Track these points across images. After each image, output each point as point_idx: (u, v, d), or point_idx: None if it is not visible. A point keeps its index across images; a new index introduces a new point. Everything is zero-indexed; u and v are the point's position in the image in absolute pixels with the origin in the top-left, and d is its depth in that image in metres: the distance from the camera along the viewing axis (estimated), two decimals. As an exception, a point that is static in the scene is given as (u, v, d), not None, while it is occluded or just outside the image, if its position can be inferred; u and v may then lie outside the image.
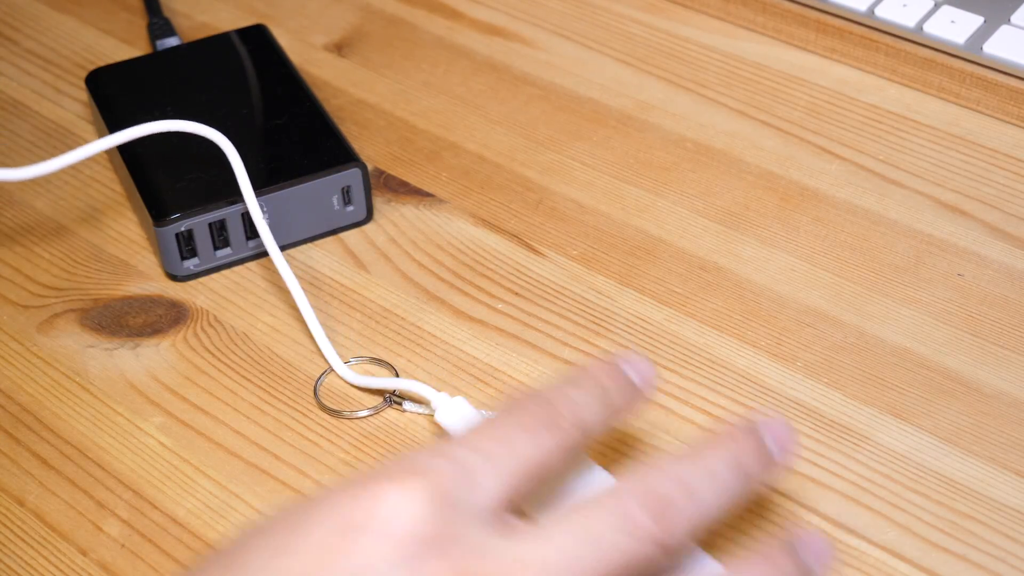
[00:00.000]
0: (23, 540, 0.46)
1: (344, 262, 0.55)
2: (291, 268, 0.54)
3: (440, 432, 0.48)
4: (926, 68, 0.60)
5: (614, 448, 0.47)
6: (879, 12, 0.61)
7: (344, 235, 0.56)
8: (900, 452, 0.46)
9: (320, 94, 0.62)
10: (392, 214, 0.57)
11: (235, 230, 0.54)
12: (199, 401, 0.49)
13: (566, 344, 0.51)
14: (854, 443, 0.47)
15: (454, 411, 0.46)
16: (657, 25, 0.66)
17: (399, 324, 0.52)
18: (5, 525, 0.46)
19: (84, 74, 0.62)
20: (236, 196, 0.53)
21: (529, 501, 0.40)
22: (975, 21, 0.60)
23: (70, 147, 0.61)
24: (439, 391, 0.47)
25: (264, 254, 0.55)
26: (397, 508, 0.33)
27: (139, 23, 0.67)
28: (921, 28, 0.60)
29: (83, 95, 0.63)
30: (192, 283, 0.54)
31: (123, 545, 0.45)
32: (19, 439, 0.49)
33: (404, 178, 0.58)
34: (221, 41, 0.62)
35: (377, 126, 0.61)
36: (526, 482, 0.36)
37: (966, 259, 0.53)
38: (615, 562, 0.34)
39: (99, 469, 0.47)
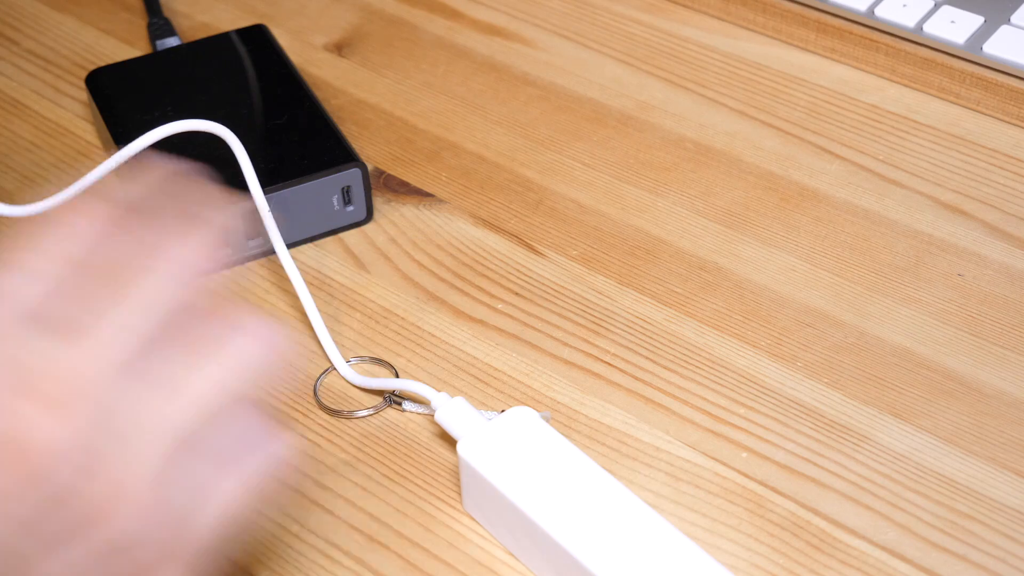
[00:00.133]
0: (23, 540, 0.45)
1: (344, 262, 0.55)
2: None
3: (440, 432, 0.48)
4: (926, 68, 0.60)
5: (613, 448, 0.47)
6: (879, 12, 0.61)
7: (344, 235, 0.56)
8: (900, 452, 0.46)
9: (320, 94, 0.62)
10: (392, 214, 0.57)
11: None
12: (199, 401, 0.49)
13: (566, 344, 0.51)
14: (854, 443, 0.47)
15: (454, 411, 0.46)
16: (657, 25, 0.66)
17: (399, 324, 0.52)
18: (5, 525, 0.46)
19: (84, 74, 0.62)
20: (236, 196, 0.53)
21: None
22: (975, 21, 0.60)
23: (70, 147, 0.61)
24: (439, 391, 0.47)
25: (265, 253, 0.55)
26: None
27: (139, 23, 0.67)
28: (921, 28, 0.60)
29: (83, 95, 0.63)
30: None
31: (123, 545, 0.45)
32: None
33: (404, 178, 0.58)
34: (221, 41, 0.62)
35: (377, 126, 0.61)
36: None
37: (966, 259, 0.53)
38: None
39: (99, 469, 0.47)
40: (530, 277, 0.53)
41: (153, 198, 0.37)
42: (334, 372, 0.50)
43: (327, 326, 0.51)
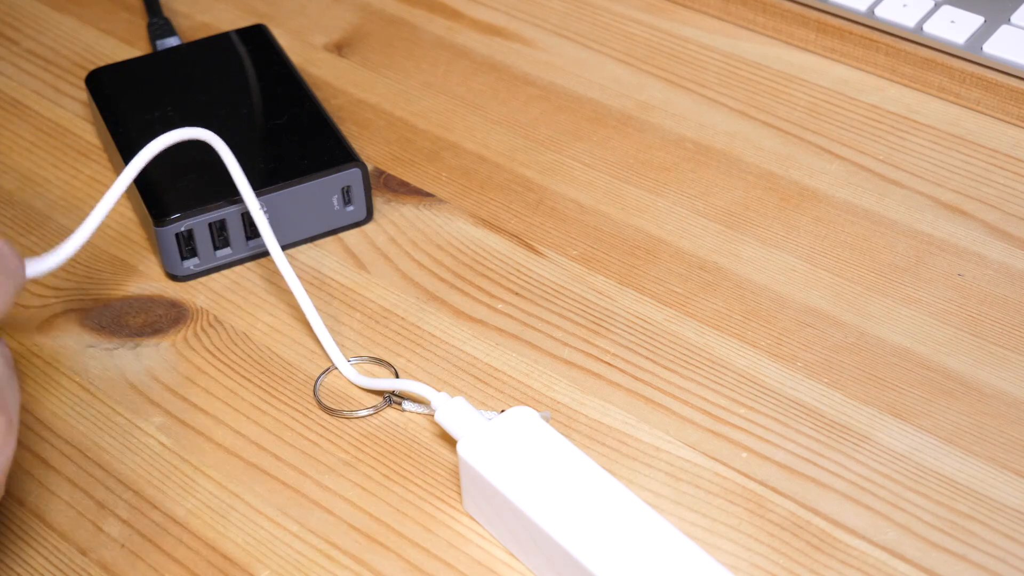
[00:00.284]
0: (23, 540, 0.46)
1: (344, 262, 0.55)
2: (293, 267, 0.54)
3: (440, 432, 0.48)
4: (926, 68, 0.60)
5: (613, 448, 0.47)
6: (879, 12, 0.61)
7: (344, 235, 0.56)
8: (900, 452, 0.46)
9: (320, 94, 0.62)
10: (392, 214, 0.57)
11: (235, 230, 0.54)
12: (199, 401, 0.49)
13: (566, 344, 0.51)
14: (854, 443, 0.47)
15: (454, 411, 0.46)
16: (657, 25, 0.66)
17: (399, 324, 0.52)
18: (5, 525, 0.46)
19: (84, 74, 0.62)
20: (236, 196, 0.53)
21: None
22: (975, 21, 0.60)
23: (70, 147, 0.61)
24: (439, 391, 0.47)
25: (264, 254, 0.55)
26: None
27: (139, 23, 0.67)
28: (921, 28, 0.60)
29: (83, 95, 0.63)
30: (192, 283, 0.54)
31: (123, 545, 0.45)
32: (19, 439, 0.48)
33: (404, 178, 0.58)
34: (221, 41, 0.62)
35: (377, 126, 0.61)
36: None
37: (966, 259, 0.53)
38: None
39: (99, 469, 0.47)
40: (530, 277, 0.53)
41: None
42: (334, 372, 0.50)
43: (326, 326, 0.51)
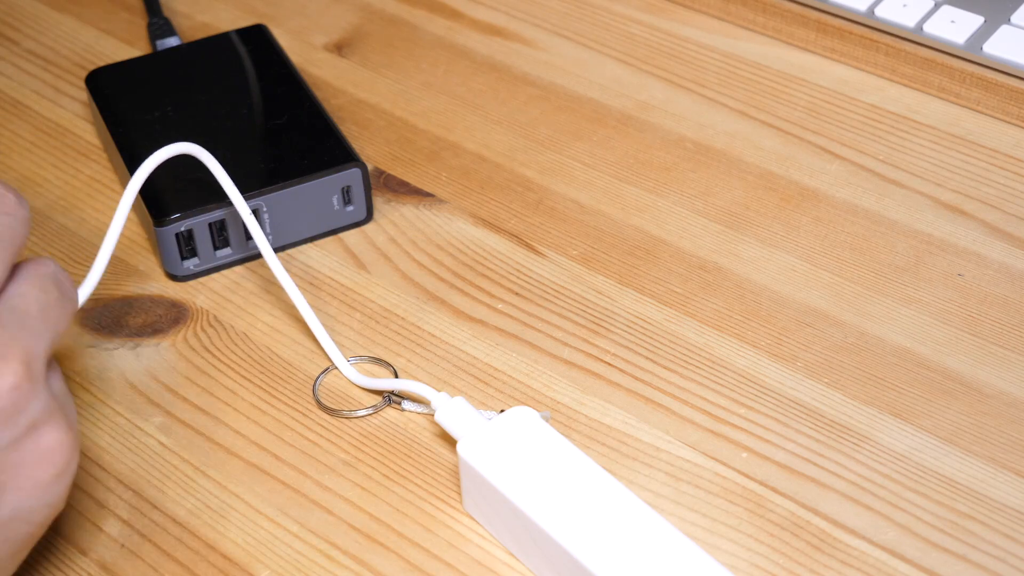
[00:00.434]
0: (23, 540, 0.46)
1: (344, 262, 0.55)
2: (289, 268, 0.54)
3: (440, 432, 0.48)
4: (926, 68, 0.60)
5: (613, 448, 0.47)
6: (879, 12, 0.61)
7: (344, 235, 0.56)
8: (900, 452, 0.46)
9: (320, 94, 0.62)
10: (392, 214, 0.57)
11: (235, 230, 0.54)
12: (199, 401, 0.49)
13: (566, 344, 0.51)
14: (854, 443, 0.47)
15: (454, 411, 0.46)
16: (657, 25, 0.66)
17: (399, 324, 0.52)
18: (5, 525, 0.46)
19: (84, 74, 0.62)
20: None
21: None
22: (975, 21, 0.60)
23: (70, 147, 0.61)
24: (439, 391, 0.47)
25: (264, 254, 0.55)
26: None
27: (139, 23, 0.67)
28: (921, 28, 0.60)
29: (83, 95, 0.63)
30: (192, 283, 0.54)
31: (123, 545, 0.45)
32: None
33: (404, 178, 0.58)
34: (221, 41, 0.62)
35: (377, 126, 0.61)
36: None
37: (966, 259, 0.53)
38: None
39: (99, 469, 0.47)
40: (530, 277, 0.53)
41: None
42: (333, 372, 0.50)
43: (324, 325, 0.51)
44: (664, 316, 0.51)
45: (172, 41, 0.64)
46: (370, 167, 0.59)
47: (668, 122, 0.60)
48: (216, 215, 0.53)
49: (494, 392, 0.49)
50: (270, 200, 0.54)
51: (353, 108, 0.62)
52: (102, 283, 0.54)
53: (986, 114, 0.59)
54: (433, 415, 0.47)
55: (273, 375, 0.50)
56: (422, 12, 0.67)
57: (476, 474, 0.43)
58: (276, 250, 0.55)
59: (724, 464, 0.46)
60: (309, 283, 0.54)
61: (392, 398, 0.49)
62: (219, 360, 0.51)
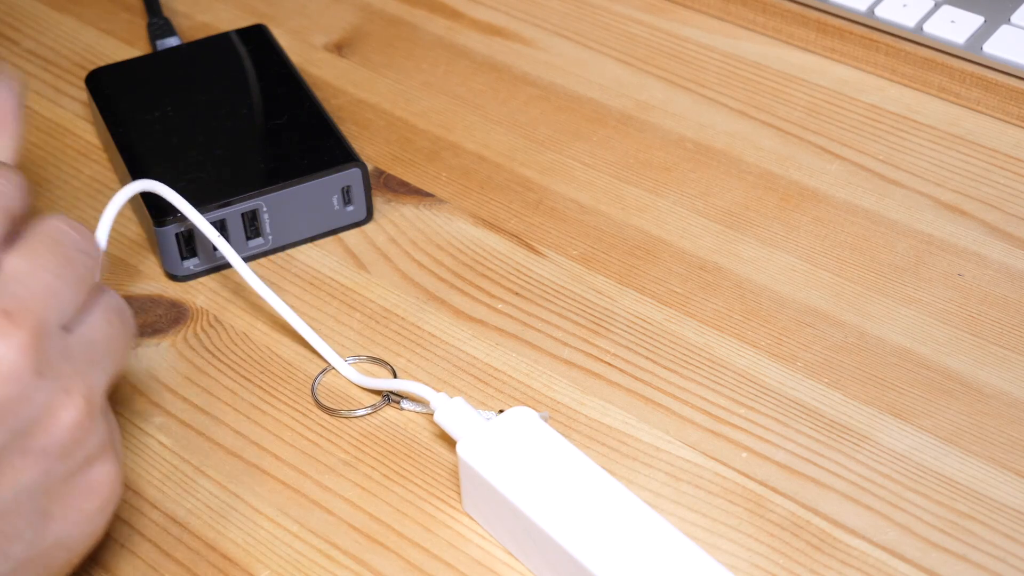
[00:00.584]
0: (23, 540, 0.45)
1: (344, 262, 0.55)
2: (289, 268, 0.54)
3: (440, 432, 0.48)
4: (926, 68, 0.60)
5: (613, 448, 0.47)
6: (879, 12, 0.61)
7: (344, 235, 0.56)
8: (900, 452, 0.46)
9: (320, 94, 0.62)
10: (392, 214, 0.57)
11: (235, 230, 0.54)
12: (199, 401, 0.49)
13: (566, 344, 0.51)
14: (854, 443, 0.47)
15: (453, 412, 0.46)
16: (657, 25, 0.66)
17: (399, 324, 0.52)
18: (5, 525, 0.46)
19: (84, 74, 0.62)
20: (236, 196, 0.53)
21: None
22: (975, 21, 0.60)
23: (70, 147, 0.61)
24: (439, 391, 0.47)
25: (264, 254, 0.55)
26: None
27: (139, 23, 0.67)
28: (921, 28, 0.60)
29: (83, 95, 0.63)
30: (192, 283, 0.54)
31: (123, 545, 0.45)
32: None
33: (404, 178, 0.58)
34: (221, 41, 0.62)
35: (377, 126, 0.61)
36: None
37: (966, 259, 0.53)
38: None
39: (99, 469, 0.47)
40: (530, 277, 0.53)
41: None
42: (334, 373, 0.50)
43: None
44: (664, 316, 0.51)
45: (172, 41, 0.64)
46: (370, 167, 0.59)
47: (668, 122, 0.60)
48: (216, 215, 0.53)
49: (494, 392, 0.49)
50: (270, 200, 0.54)
51: (353, 108, 0.62)
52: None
53: (986, 114, 0.59)
54: (432, 414, 0.47)
55: (273, 375, 0.50)
56: (422, 12, 0.67)
57: (476, 474, 0.43)
58: (276, 250, 0.55)
59: (724, 464, 0.46)
60: (309, 283, 0.54)
61: (391, 397, 0.49)
62: (219, 360, 0.51)
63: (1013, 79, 0.58)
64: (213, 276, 0.54)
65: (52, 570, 0.39)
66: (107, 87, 0.60)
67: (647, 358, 0.50)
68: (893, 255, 0.53)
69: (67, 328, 0.39)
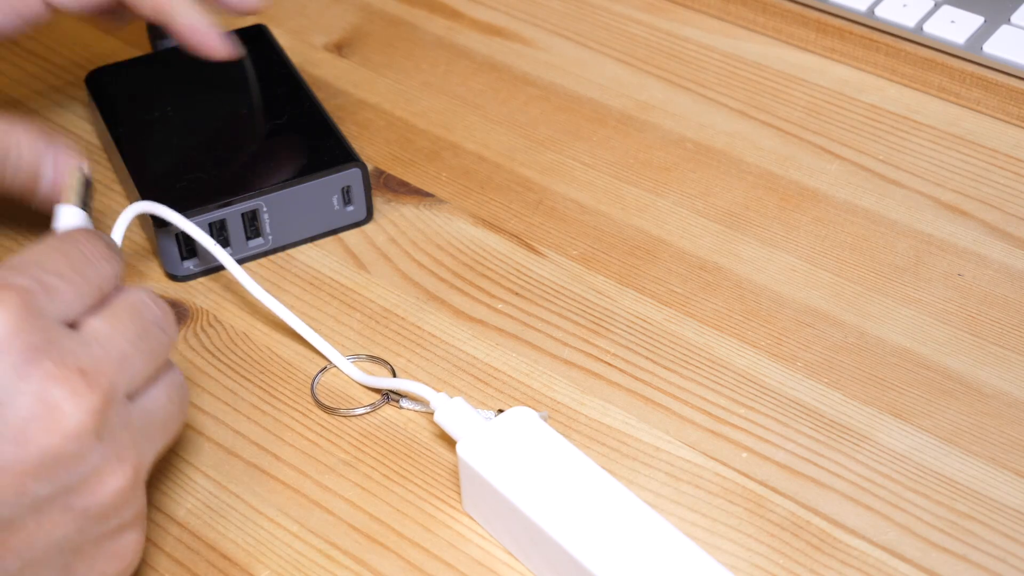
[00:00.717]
0: (23, 540, 0.45)
1: (344, 262, 0.55)
2: (289, 268, 0.54)
3: (440, 432, 0.48)
4: (926, 68, 0.60)
5: (613, 448, 0.47)
6: (879, 12, 0.61)
7: (344, 235, 0.56)
8: (900, 452, 0.46)
9: (320, 94, 0.62)
10: (392, 214, 0.57)
11: (235, 230, 0.54)
12: (199, 401, 0.49)
13: (566, 344, 0.51)
14: (854, 443, 0.47)
15: (453, 412, 0.46)
16: (657, 25, 0.66)
17: (399, 324, 0.52)
18: (5, 525, 0.46)
19: (84, 74, 0.62)
20: (236, 196, 0.53)
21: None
22: (975, 21, 0.60)
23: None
24: (439, 391, 0.47)
25: (265, 253, 0.55)
26: None
27: (139, 23, 0.67)
28: (921, 28, 0.60)
29: (83, 95, 0.63)
30: (192, 283, 0.54)
31: (123, 545, 0.45)
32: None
33: (404, 178, 0.58)
34: (221, 41, 0.62)
35: (377, 126, 0.61)
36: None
37: (966, 259, 0.53)
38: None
39: (99, 469, 0.47)
40: (530, 277, 0.53)
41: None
42: (334, 373, 0.50)
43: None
44: (664, 316, 0.51)
45: (172, 41, 0.63)
46: (370, 167, 0.59)
47: (668, 122, 0.60)
48: (216, 215, 0.53)
49: (494, 392, 0.49)
50: (270, 200, 0.54)
51: (353, 108, 0.62)
52: (102, 283, 0.54)
53: (986, 114, 0.59)
54: (432, 414, 0.47)
55: (273, 375, 0.50)
56: (422, 12, 0.67)
57: (475, 474, 0.43)
58: (276, 250, 0.55)
59: (724, 464, 0.46)
60: (309, 283, 0.54)
61: (391, 396, 0.49)
62: (219, 360, 0.51)
63: (1013, 79, 0.58)
64: (213, 276, 0.54)
65: None
66: (107, 87, 0.60)
67: (647, 358, 0.50)
68: (893, 255, 0.53)
69: (131, 397, 0.40)
